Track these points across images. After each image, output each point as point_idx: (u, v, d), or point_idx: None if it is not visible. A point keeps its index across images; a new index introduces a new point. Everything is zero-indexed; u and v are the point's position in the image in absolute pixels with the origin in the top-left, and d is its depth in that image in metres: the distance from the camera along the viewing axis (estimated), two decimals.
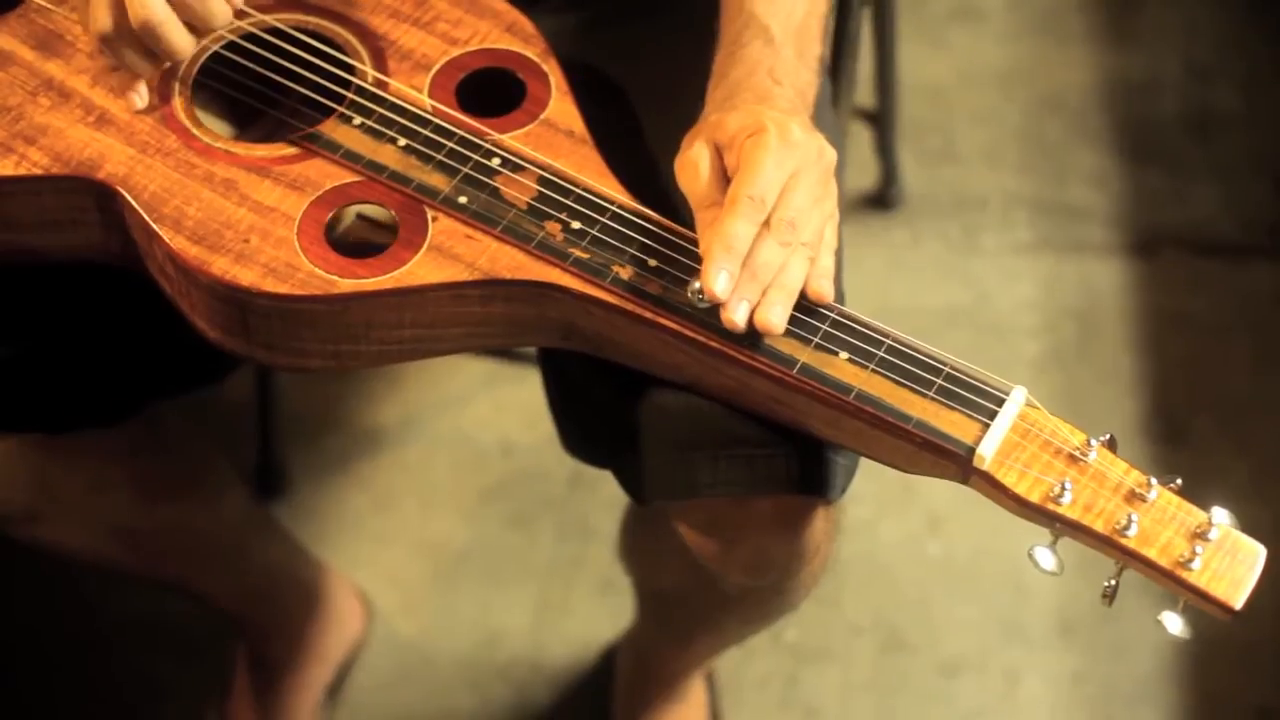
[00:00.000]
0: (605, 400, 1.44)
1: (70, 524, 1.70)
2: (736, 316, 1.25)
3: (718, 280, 1.24)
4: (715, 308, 1.26)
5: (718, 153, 1.31)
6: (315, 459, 2.33)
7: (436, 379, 2.39)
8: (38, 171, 1.40)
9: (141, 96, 1.42)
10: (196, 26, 1.36)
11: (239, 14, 1.45)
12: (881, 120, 2.45)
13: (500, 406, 2.37)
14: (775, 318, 1.26)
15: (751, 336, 1.28)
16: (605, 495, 2.25)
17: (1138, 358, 2.38)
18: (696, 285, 1.26)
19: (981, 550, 2.25)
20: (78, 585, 2.17)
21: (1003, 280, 2.48)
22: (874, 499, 2.26)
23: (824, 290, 1.29)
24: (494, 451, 2.34)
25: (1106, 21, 2.81)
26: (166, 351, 1.57)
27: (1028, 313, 2.44)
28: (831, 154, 1.33)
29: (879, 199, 2.54)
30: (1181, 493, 1.22)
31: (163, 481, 1.75)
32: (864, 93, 2.39)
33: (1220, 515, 1.20)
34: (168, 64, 1.39)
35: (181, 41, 1.35)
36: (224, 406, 2.25)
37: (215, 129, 1.45)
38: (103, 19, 1.35)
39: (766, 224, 1.27)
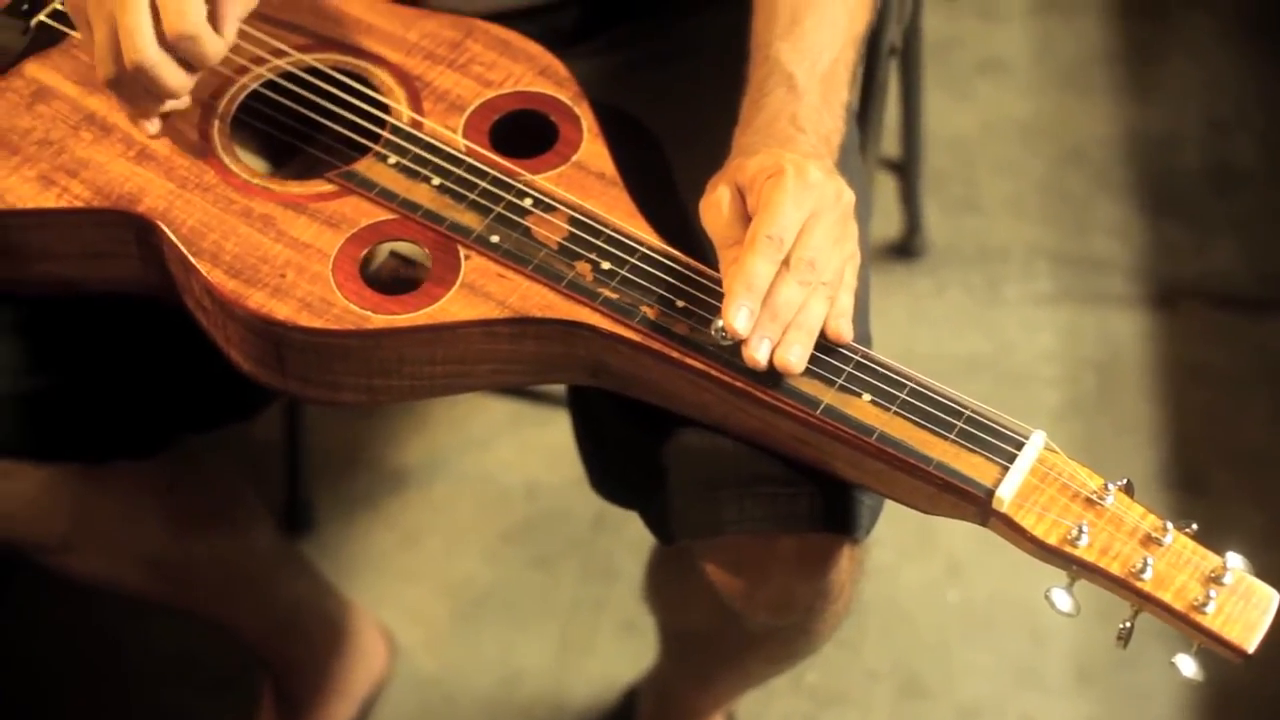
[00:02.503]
0: (632, 440, 1.46)
1: (102, 554, 1.72)
2: (758, 354, 1.28)
3: (738, 317, 1.27)
4: (739, 346, 1.28)
5: (739, 194, 1.33)
6: (342, 497, 2.35)
7: (462, 420, 2.41)
8: (79, 204, 1.42)
9: (153, 125, 1.43)
10: (192, 64, 1.38)
11: (277, 53, 1.49)
12: (906, 170, 2.48)
13: (525, 448, 2.39)
14: (794, 357, 1.28)
15: (775, 377, 1.30)
16: (628, 537, 2.27)
17: (1157, 408, 2.40)
18: (719, 323, 1.28)
19: (1000, 597, 2.26)
20: (103, 620, 2.19)
21: (1024, 330, 2.50)
22: (894, 545, 2.27)
23: (842, 330, 1.31)
24: (518, 492, 2.35)
25: (1129, 76, 2.84)
26: (200, 386, 1.60)
27: (1048, 363, 2.46)
28: (850, 195, 1.35)
29: (903, 248, 2.56)
30: (1197, 538, 1.23)
31: (194, 514, 1.78)
32: (889, 142, 2.42)
33: (1234, 560, 1.22)
34: (174, 101, 1.41)
35: (176, 81, 1.38)
36: (252, 444, 2.28)
37: (252, 165, 1.47)
38: (105, 63, 1.38)
39: (786, 263, 1.29)
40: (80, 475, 1.59)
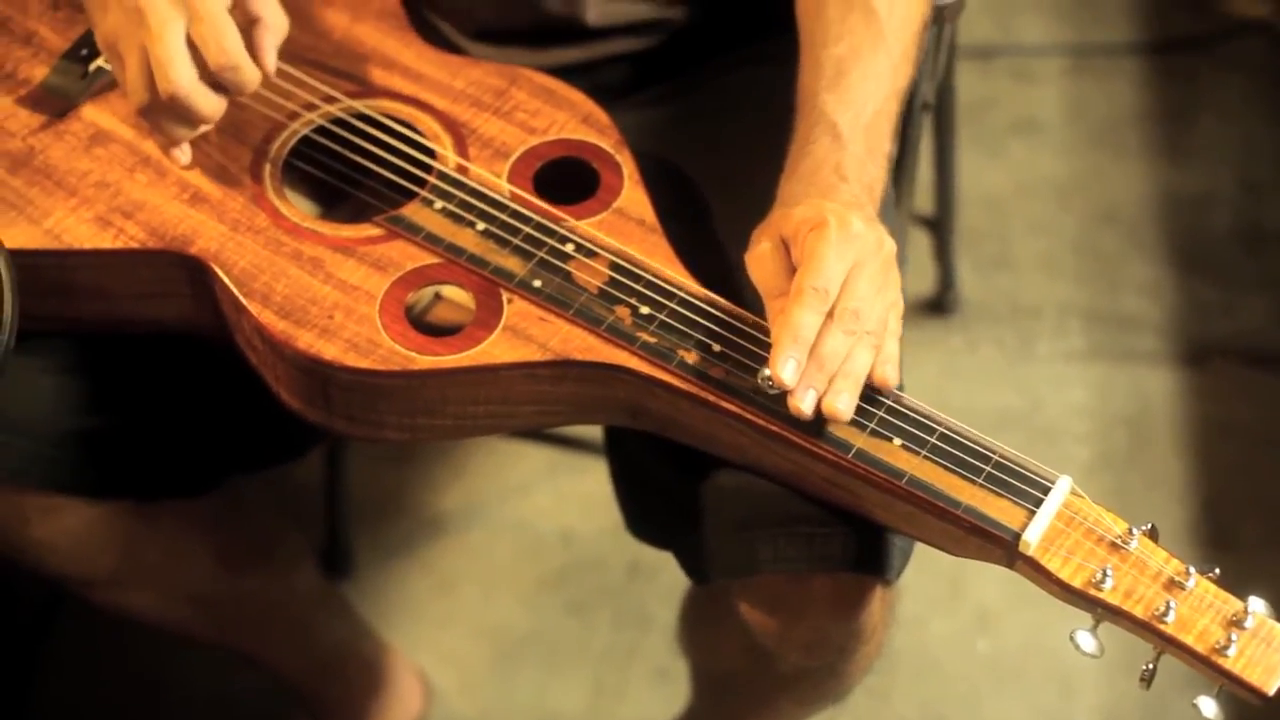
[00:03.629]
0: (668, 481, 1.49)
1: (150, 590, 1.74)
2: (804, 405, 1.30)
3: (785, 368, 1.29)
4: (782, 395, 1.31)
5: (784, 246, 1.36)
6: (380, 542, 2.37)
7: (500, 467, 2.44)
8: (134, 245, 1.46)
9: (184, 154, 1.48)
10: (227, 89, 1.43)
11: (328, 99, 1.53)
12: (940, 226, 2.50)
13: (561, 496, 2.42)
14: (842, 405, 1.31)
15: (812, 421, 1.32)
16: (662, 585, 2.29)
17: (1187, 465, 2.41)
18: (766, 373, 1.31)
19: (1029, 647, 2.27)
20: (142, 661, 2.21)
21: (1056, 386, 2.51)
22: (924, 594, 2.28)
23: (888, 376, 1.34)
24: (554, 539, 2.38)
25: (1162, 137, 2.86)
26: (248, 426, 1.64)
27: (1080, 418, 2.48)
28: (891, 245, 1.37)
29: (936, 304, 2.59)
30: (1219, 582, 1.25)
31: (239, 552, 1.80)
32: (923, 199, 2.44)
33: (1256, 604, 1.24)
34: (203, 127, 1.45)
35: (209, 108, 1.43)
36: (293, 488, 2.31)
37: (301, 208, 1.51)
38: (138, 92, 1.43)
39: (831, 315, 1.31)
40: (131, 512, 1.62)
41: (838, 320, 1.31)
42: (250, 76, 1.43)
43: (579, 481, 2.41)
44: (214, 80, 1.42)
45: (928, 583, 2.29)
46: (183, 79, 1.40)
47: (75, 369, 1.54)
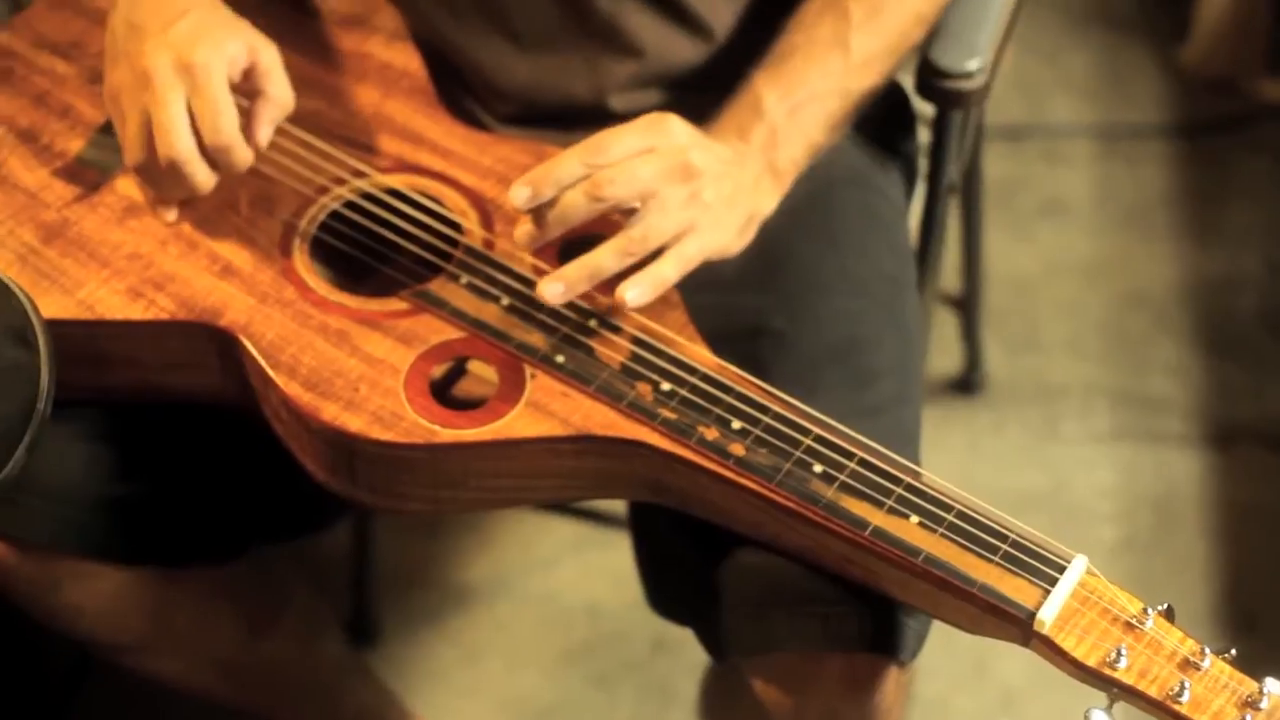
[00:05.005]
0: (689, 558, 1.50)
1: (177, 655, 1.75)
2: (519, 236, 1.46)
3: (519, 192, 1.42)
4: (798, 475, 1.33)
5: None
6: (406, 612, 2.38)
7: (526, 540, 2.45)
8: (164, 316, 1.48)
9: (170, 213, 1.53)
10: (220, 164, 1.48)
11: (357, 174, 1.56)
12: (967, 306, 2.52)
13: (587, 569, 2.42)
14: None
15: (828, 503, 1.34)
16: (685, 660, 2.29)
17: (1212, 547, 2.41)
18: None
19: None
20: None
21: (1081, 467, 2.52)
22: (947, 675, 2.28)
23: (627, 292, 1.44)
24: (579, 613, 2.38)
25: (1190, 219, 2.87)
26: (275, 496, 1.65)
27: (1105, 500, 2.48)
28: (713, 165, 1.47)
29: (963, 383, 2.60)
30: (1234, 663, 1.26)
31: (266, 619, 1.82)
32: (951, 279, 2.46)
33: (1272, 685, 1.24)
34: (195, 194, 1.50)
35: (202, 178, 1.48)
36: (321, 558, 2.33)
37: (330, 281, 1.53)
38: (134, 151, 1.48)
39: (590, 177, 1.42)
40: (160, 578, 1.63)
41: (590, 179, 1.41)
42: (240, 158, 1.47)
43: (605, 555, 2.41)
44: (207, 154, 1.46)
45: (951, 662, 2.28)
46: (181, 148, 1.45)
47: (107, 437, 1.56)
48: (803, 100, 1.54)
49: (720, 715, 1.87)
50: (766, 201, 1.52)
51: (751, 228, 1.51)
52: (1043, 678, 2.21)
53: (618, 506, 2.23)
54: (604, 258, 1.43)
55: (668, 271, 1.44)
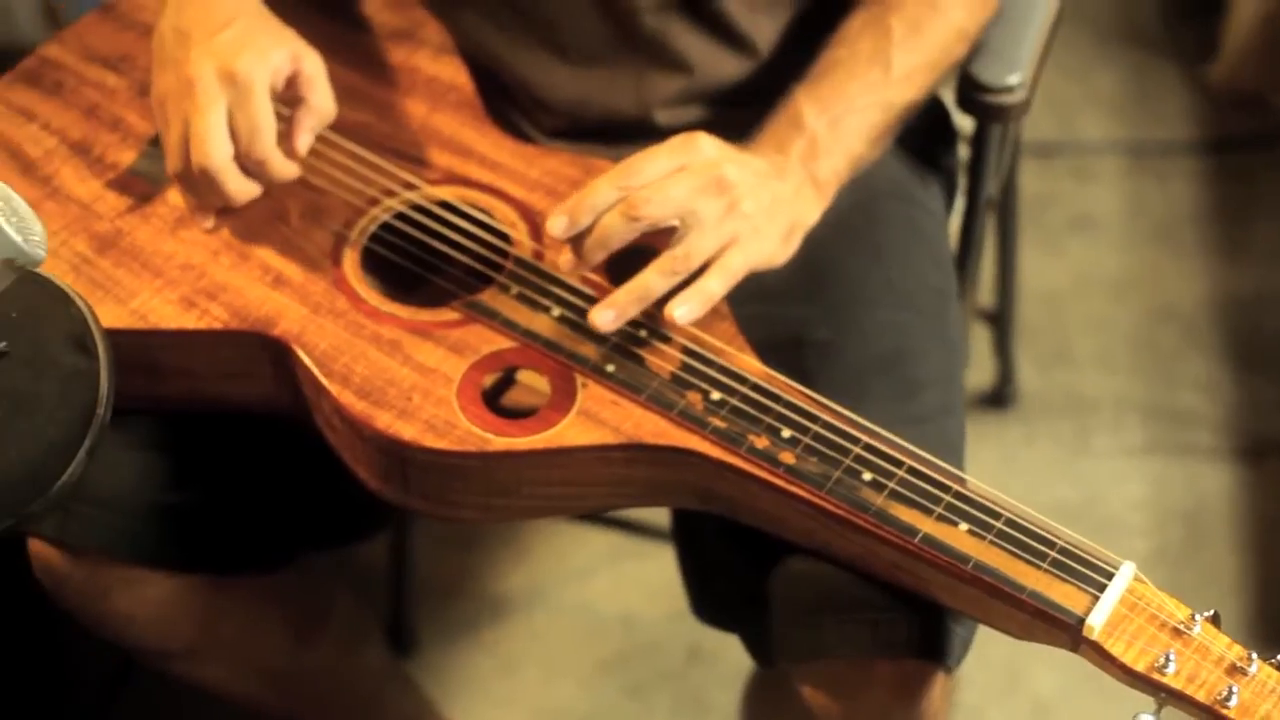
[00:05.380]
0: (737, 565, 1.51)
1: (225, 663, 1.77)
2: (561, 262, 1.48)
3: (556, 222, 1.44)
4: (848, 481, 1.35)
5: None
6: (444, 623, 2.40)
7: (562, 552, 2.46)
8: (218, 325, 1.50)
9: (208, 221, 1.55)
10: (256, 175, 1.50)
11: (407, 186, 1.57)
12: (1000, 320, 2.53)
13: (622, 580, 2.44)
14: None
15: (877, 510, 1.35)
16: (720, 670, 2.31)
17: (1243, 560, 2.42)
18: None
19: None
20: None
21: (1113, 480, 2.53)
22: (981, 685, 2.29)
23: (676, 310, 1.45)
24: (615, 624, 2.40)
25: (1219, 236, 2.88)
26: (323, 504, 1.67)
27: (1136, 513, 2.49)
28: (746, 178, 1.48)
29: (995, 397, 2.61)
30: None
31: (312, 627, 1.83)
32: (984, 294, 2.47)
33: None
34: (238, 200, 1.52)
35: (237, 188, 1.51)
36: (360, 570, 2.34)
37: (378, 291, 1.54)
38: (174, 157, 1.52)
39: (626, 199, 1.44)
40: (209, 585, 1.65)
41: (626, 201, 1.43)
42: (277, 171, 1.50)
43: (640, 566, 2.43)
44: (245, 164, 1.48)
45: (985, 673, 2.29)
46: (215, 157, 1.48)
47: (160, 445, 1.58)
48: (843, 112, 1.55)
49: None
50: (809, 211, 1.53)
51: (795, 238, 1.52)
52: (1075, 689, 2.25)
53: (652, 517, 2.24)
54: (651, 279, 1.45)
55: (714, 286, 1.46)
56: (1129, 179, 3.00)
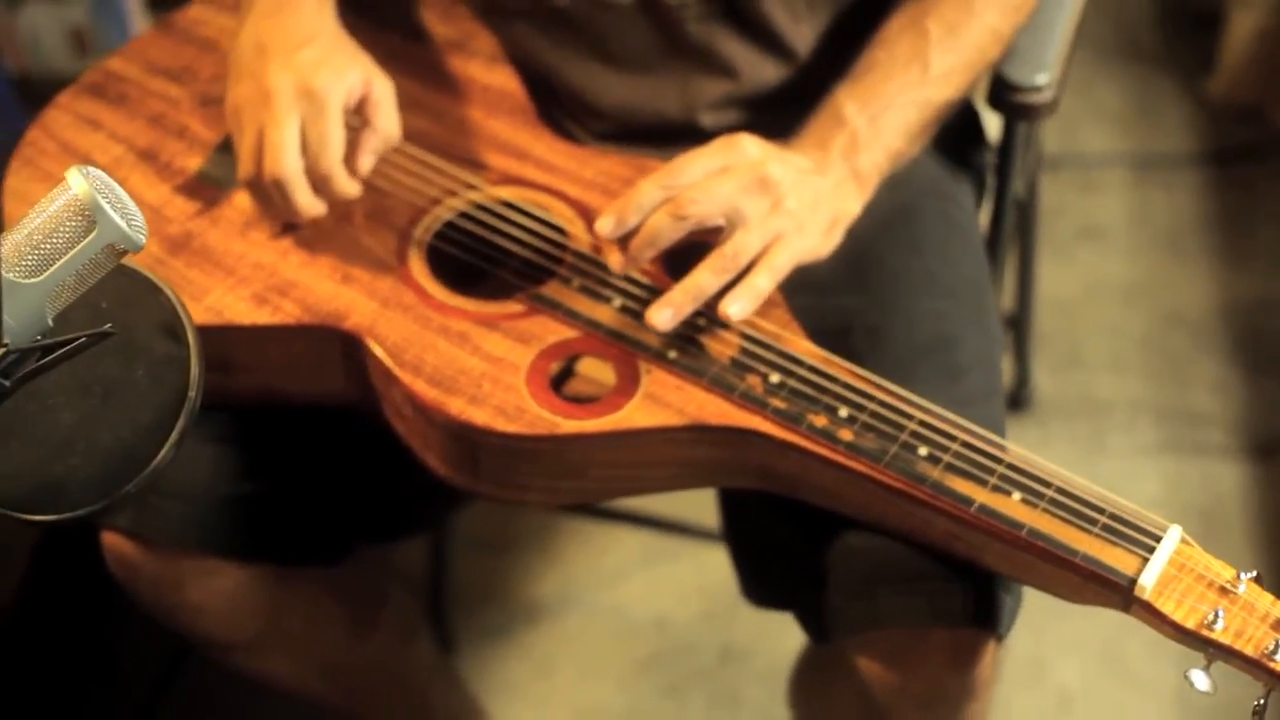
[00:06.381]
0: (791, 543, 1.57)
1: (286, 655, 1.81)
2: (612, 262, 1.54)
3: (605, 222, 1.50)
4: (908, 462, 1.41)
5: None
6: (480, 626, 2.45)
7: (594, 556, 2.52)
8: (290, 320, 1.55)
9: (275, 225, 1.61)
10: (320, 190, 1.56)
11: (468, 187, 1.63)
12: (1018, 324, 2.59)
13: (654, 583, 2.49)
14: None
15: (934, 482, 1.41)
16: (753, 668, 2.36)
17: (1257, 554, 2.47)
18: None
19: None
20: None
21: (1128, 479, 2.59)
22: (1006, 675, 2.30)
23: (729, 308, 1.49)
24: (648, 624, 2.45)
25: (1222, 243, 2.95)
26: (383, 498, 1.73)
27: (1152, 510, 2.50)
28: (811, 191, 1.54)
29: (1012, 400, 2.67)
30: None
31: (367, 620, 1.88)
32: (1003, 300, 2.52)
33: None
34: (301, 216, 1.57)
35: (305, 202, 1.56)
36: (398, 574, 2.40)
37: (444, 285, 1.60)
38: (246, 165, 1.57)
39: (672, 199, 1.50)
40: (274, 577, 1.70)
41: (672, 200, 1.49)
42: (340, 188, 1.56)
43: (671, 569, 2.48)
44: (310, 178, 1.54)
45: (1011, 664, 2.33)
46: (287, 167, 1.53)
47: (230, 439, 1.63)
48: (882, 109, 1.60)
49: (817, 701, 1.90)
50: (851, 204, 1.58)
51: (838, 230, 1.57)
52: (1100, 680, 2.30)
53: (684, 516, 2.29)
54: (703, 278, 1.50)
55: (763, 283, 1.51)
56: (1133, 190, 3.07)
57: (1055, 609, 2.32)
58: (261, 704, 2.01)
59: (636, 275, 1.57)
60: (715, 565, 2.36)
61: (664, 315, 1.50)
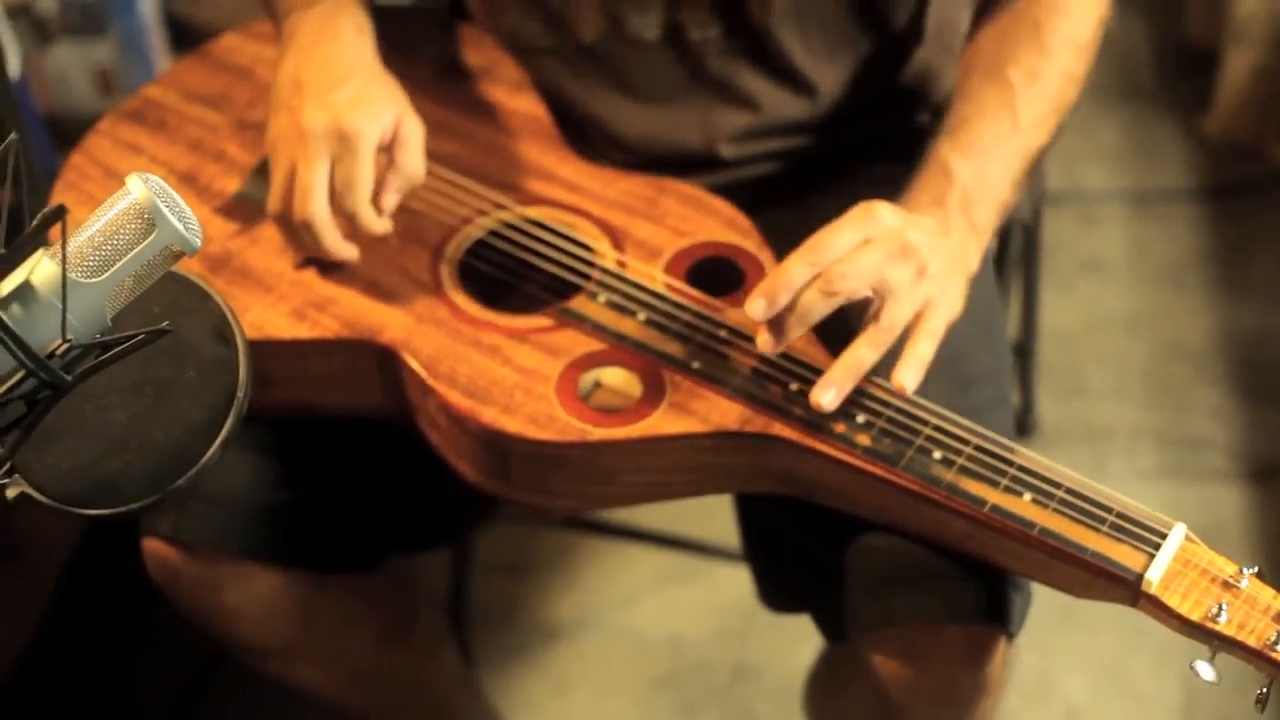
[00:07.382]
0: (808, 546, 1.62)
1: (316, 661, 1.86)
2: (764, 344, 1.50)
3: (755, 304, 1.49)
4: (921, 458, 1.46)
5: None
6: (499, 647, 2.49)
7: (610, 578, 2.57)
8: (329, 335, 1.61)
9: (299, 257, 1.65)
10: (344, 227, 1.60)
11: (497, 206, 1.68)
12: (1023, 352, 2.65)
13: (668, 603, 2.54)
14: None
15: (949, 484, 1.46)
16: (765, 685, 2.41)
17: None
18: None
19: None
20: None
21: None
22: (1013, 690, 2.38)
23: (903, 380, 1.49)
24: (663, 644, 2.49)
25: (1220, 275, 3.01)
26: (415, 508, 1.79)
27: None
28: (925, 242, 1.52)
29: (1018, 427, 2.67)
30: None
31: (398, 629, 1.92)
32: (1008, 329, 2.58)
33: None
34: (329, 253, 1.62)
35: (333, 244, 1.61)
36: (419, 591, 2.43)
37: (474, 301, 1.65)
38: (275, 201, 1.62)
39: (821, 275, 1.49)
40: (309, 583, 1.75)
41: (822, 277, 1.48)
42: (366, 226, 1.61)
43: (684, 589, 2.53)
44: (336, 215, 1.59)
45: (1016, 679, 2.37)
46: (315, 211, 1.59)
47: (269, 449, 1.69)
48: (984, 161, 1.62)
49: (832, 703, 1.93)
50: (974, 259, 1.60)
51: (967, 286, 1.59)
52: (1105, 695, 2.35)
53: (696, 537, 2.33)
54: (862, 353, 1.51)
55: (925, 350, 1.52)
56: (1132, 224, 3.13)
57: (1061, 625, 2.39)
58: (289, 712, 2.05)
59: (662, 290, 1.62)
60: (728, 585, 2.43)
61: (828, 396, 1.49)
